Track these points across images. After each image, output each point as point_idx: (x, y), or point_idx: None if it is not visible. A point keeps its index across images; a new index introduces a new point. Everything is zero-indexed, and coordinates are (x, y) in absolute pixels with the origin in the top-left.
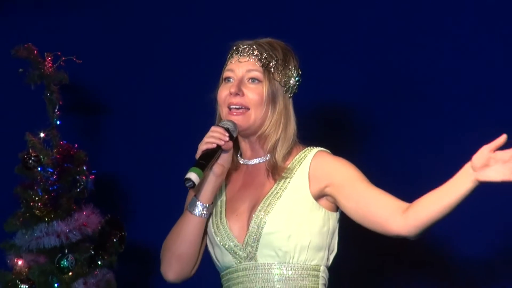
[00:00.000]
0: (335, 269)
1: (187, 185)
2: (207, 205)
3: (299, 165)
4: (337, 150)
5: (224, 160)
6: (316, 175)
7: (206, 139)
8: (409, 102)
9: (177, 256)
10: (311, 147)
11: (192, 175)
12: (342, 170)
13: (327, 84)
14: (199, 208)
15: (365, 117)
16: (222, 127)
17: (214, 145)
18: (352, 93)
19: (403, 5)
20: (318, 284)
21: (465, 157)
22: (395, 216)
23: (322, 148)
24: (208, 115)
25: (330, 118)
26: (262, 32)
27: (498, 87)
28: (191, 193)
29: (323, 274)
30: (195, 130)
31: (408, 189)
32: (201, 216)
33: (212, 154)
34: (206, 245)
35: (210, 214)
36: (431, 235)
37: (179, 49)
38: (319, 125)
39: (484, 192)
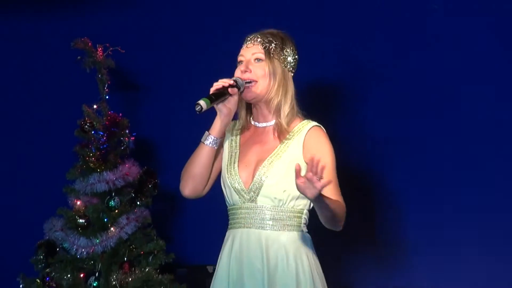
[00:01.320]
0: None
1: (196, 109)
2: (216, 138)
3: (298, 134)
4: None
5: (231, 103)
6: (307, 146)
7: (215, 83)
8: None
9: (192, 176)
10: (309, 121)
11: (201, 102)
12: (322, 153)
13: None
14: (210, 140)
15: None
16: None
17: (220, 86)
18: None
19: None
20: (301, 223)
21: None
22: None
23: (317, 124)
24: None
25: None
26: (271, 26)
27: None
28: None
29: (305, 216)
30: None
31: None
32: (211, 146)
33: (220, 95)
34: (219, 184)
35: (218, 146)
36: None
37: (199, 37)
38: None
39: None
